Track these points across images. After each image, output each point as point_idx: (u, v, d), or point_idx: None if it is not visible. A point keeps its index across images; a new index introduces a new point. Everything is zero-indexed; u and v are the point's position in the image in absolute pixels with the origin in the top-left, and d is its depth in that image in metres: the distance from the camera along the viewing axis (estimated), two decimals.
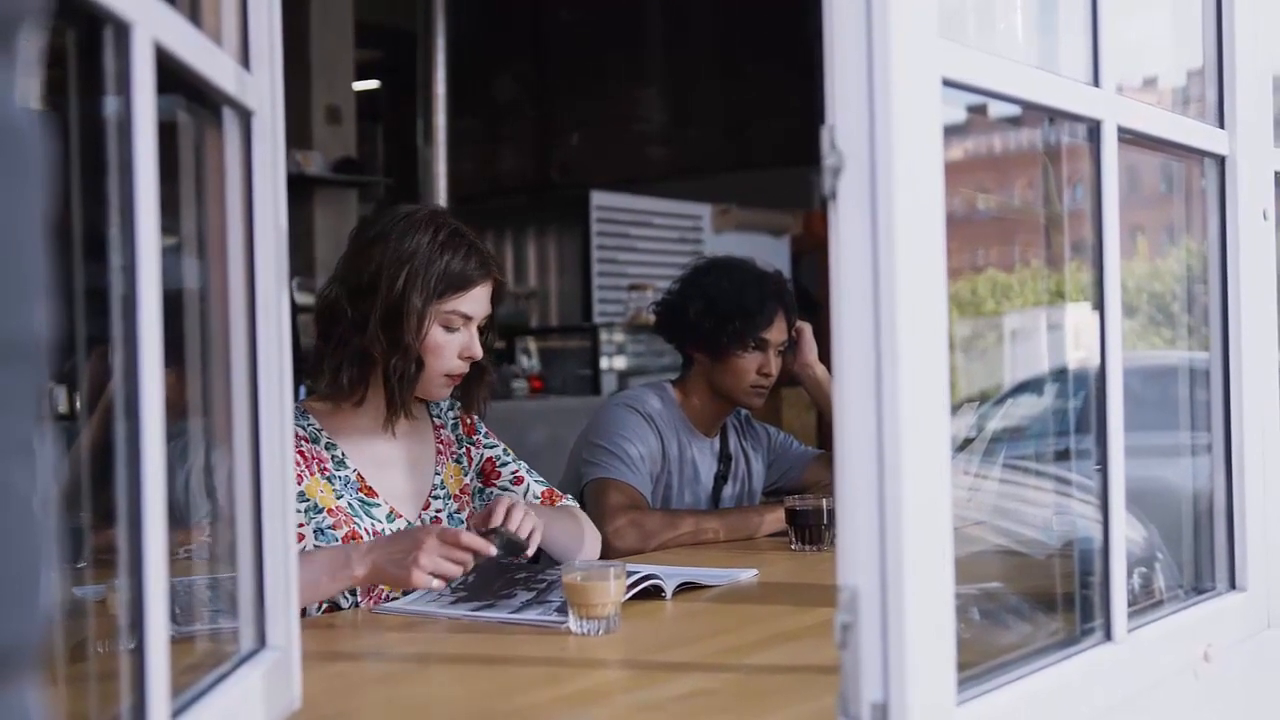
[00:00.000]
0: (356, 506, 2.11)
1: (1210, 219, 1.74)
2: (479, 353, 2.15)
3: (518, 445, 2.42)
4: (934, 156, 1.13)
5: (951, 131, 1.17)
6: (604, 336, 7.08)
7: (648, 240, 7.84)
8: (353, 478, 2.13)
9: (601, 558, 2.44)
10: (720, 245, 7.18)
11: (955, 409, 1.19)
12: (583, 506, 2.72)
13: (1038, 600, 1.63)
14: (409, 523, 2.16)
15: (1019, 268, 1.99)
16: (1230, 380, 1.73)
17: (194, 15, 1.16)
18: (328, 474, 2.10)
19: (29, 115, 0.49)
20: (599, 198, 7.73)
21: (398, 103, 8.19)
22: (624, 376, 6.96)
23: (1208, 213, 1.75)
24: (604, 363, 7.02)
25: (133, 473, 0.94)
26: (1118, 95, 1.47)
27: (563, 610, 1.80)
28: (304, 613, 1.88)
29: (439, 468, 2.26)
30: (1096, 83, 1.44)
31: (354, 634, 1.82)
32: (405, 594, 2.01)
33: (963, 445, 1.75)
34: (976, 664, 1.24)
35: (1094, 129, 1.44)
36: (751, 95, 8.57)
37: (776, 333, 2.81)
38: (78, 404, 1.27)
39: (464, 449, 2.31)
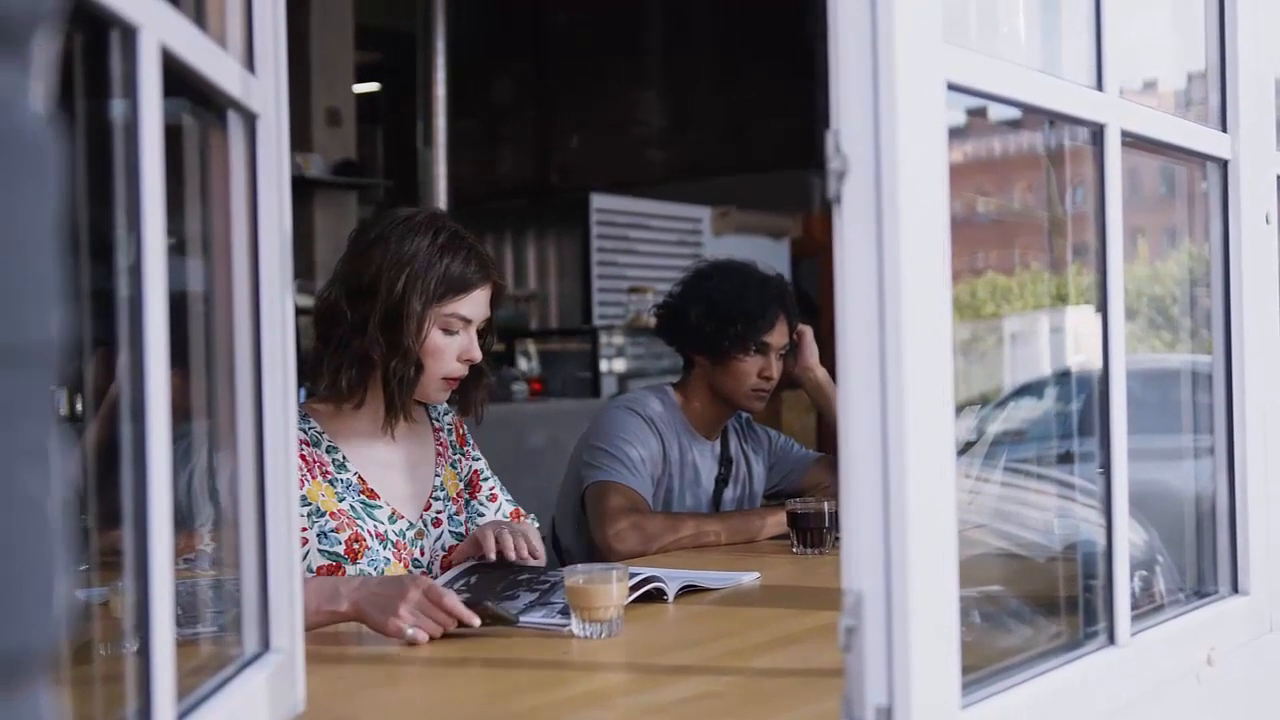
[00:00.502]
0: (359, 509, 2.10)
1: (1213, 223, 1.74)
2: (478, 355, 2.15)
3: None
4: (939, 160, 1.13)
5: (950, 134, 1.17)
6: (604, 339, 7.07)
7: (647, 243, 7.83)
8: (354, 480, 2.13)
9: (603, 560, 2.44)
10: (720, 248, 7.18)
11: (957, 412, 1.19)
12: (584, 509, 2.72)
13: (1040, 604, 1.63)
14: (410, 524, 2.16)
15: (1019, 270, 1.99)
16: (1232, 384, 1.73)
17: (199, 18, 1.16)
18: (329, 477, 2.10)
19: (43, 120, 0.49)
20: (598, 200, 7.72)
21: (397, 105, 8.19)
22: (623, 379, 6.95)
23: (1210, 216, 1.75)
24: (604, 365, 7.01)
25: (138, 475, 0.94)
26: (1121, 99, 1.47)
27: (565, 613, 1.80)
28: None
29: (439, 470, 2.26)
30: (1100, 86, 1.44)
31: (357, 637, 1.82)
32: None
33: (964, 448, 1.75)
34: (980, 667, 1.24)
35: (1097, 133, 1.44)
36: (751, 98, 8.57)
37: (778, 336, 2.81)
38: (78, 406, 1.27)
39: (458, 456, 2.31)
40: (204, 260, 1.28)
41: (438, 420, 2.30)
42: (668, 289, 2.98)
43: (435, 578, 2.14)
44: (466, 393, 2.23)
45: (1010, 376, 2.18)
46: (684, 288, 2.88)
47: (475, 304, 2.13)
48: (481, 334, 2.17)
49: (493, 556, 2.01)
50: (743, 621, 1.96)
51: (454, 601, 1.76)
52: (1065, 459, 1.82)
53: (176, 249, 1.09)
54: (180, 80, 1.05)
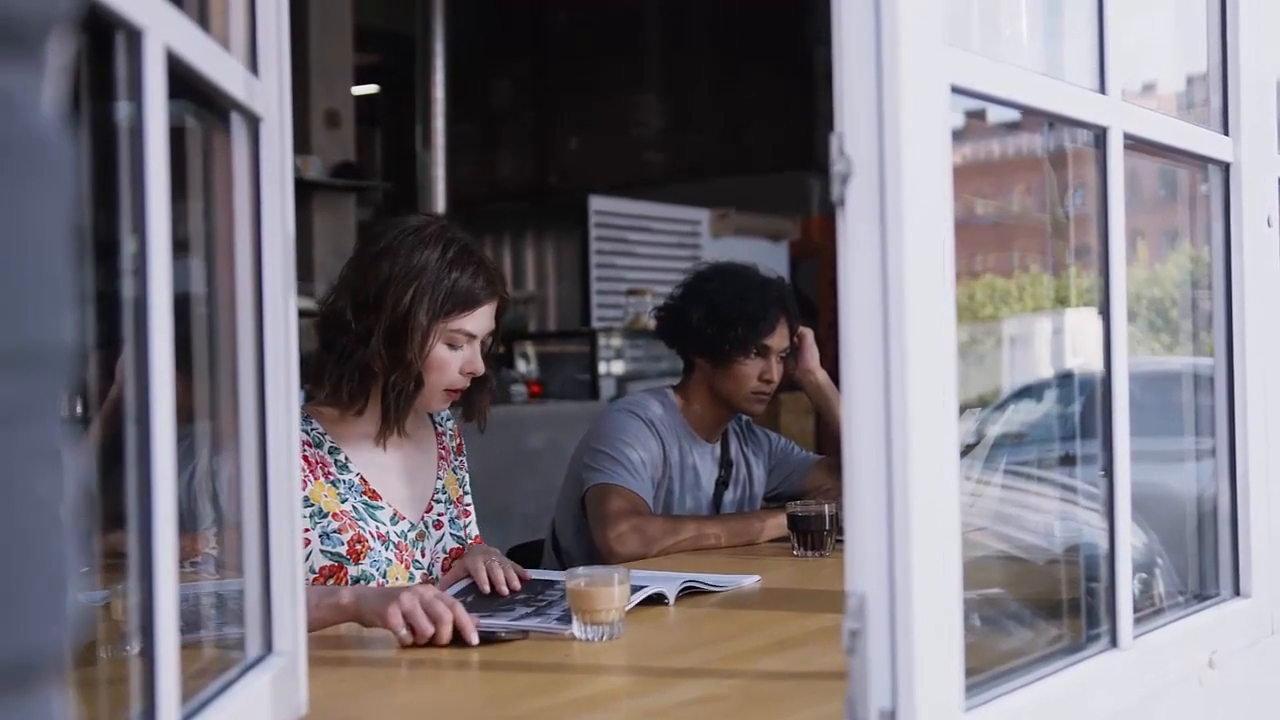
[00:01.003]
0: (361, 510, 2.10)
1: (1214, 225, 1.74)
2: (481, 369, 2.15)
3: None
4: (942, 163, 1.14)
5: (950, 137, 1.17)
6: (602, 341, 7.07)
7: (646, 245, 7.84)
8: (356, 481, 2.13)
9: (603, 563, 2.44)
10: (719, 250, 7.18)
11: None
12: (584, 512, 2.72)
13: (1042, 606, 1.64)
14: (411, 525, 2.16)
15: (1017, 273, 1.99)
16: (1234, 386, 1.73)
17: (202, 20, 1.16)
18: (332, 478, 2.10)
19: (56, 124, 0.49)
20: (597, 202, 7.73)
21: (396, 107, 8.19)
22: (622, 381, 6.95)
23: (1211, 219, 1.75)
24: (602, 368, 7.01)
25: (143, 477, 0.94)
26: (1123, 102, 1.47)
27: (565, 619, 1.80)
28: None
29: (440, 473, 2.26)
30: (1102, 89, 1.44)
31: (360, 640, 1.82)
32: None
33: (964, 451, 1.75)
34: (982, 670, 1.24)
35: (1100, 135, 1.44)
36: (750, 99, 8.57)
37: (779, 339, 2.81)
38: (78, 408, 1.27)
39: (458, 461, 2.31)
40: (207, 262, 1.28)
41: (440, 425, 2.30)
42: (666, 291, 2.98)
43: (435, 581, 2.14)
44: (470, 399, 2.22)
45: (1009, 379, 2.18)
46: (685, 290, 2.88)
47: (481, 319, 2.13)
48: (485, 345, 2.17)
49: (486, 589, 2.01)
50: (744, 624, 1.96)
51: (460, 612, 1.75)
52: (1065, 461, 1.82)
53: (180, 250, 1.09)
54: (184, 82, 1.05)
